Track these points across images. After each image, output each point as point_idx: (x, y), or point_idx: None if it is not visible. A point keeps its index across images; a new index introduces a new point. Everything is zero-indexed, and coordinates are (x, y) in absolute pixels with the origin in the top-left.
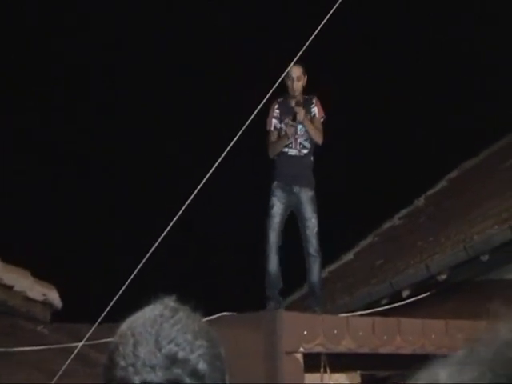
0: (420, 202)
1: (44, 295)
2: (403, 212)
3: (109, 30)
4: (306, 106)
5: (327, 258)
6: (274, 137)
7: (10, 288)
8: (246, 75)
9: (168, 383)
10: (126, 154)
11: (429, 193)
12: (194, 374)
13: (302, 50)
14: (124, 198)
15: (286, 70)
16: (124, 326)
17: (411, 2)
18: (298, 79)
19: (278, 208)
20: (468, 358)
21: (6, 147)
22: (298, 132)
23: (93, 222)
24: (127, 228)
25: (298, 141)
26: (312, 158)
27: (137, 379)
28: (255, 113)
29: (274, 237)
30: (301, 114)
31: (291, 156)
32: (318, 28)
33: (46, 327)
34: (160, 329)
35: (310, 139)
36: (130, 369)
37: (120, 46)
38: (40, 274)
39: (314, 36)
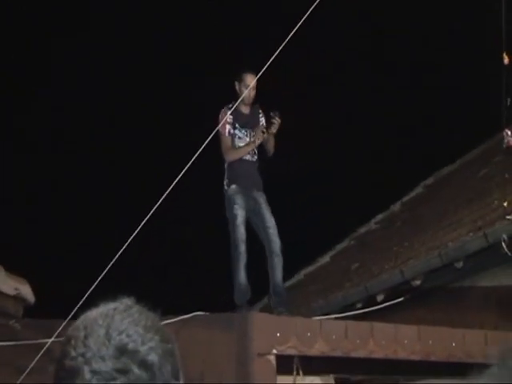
0: (396, 207)
1: (16, 290)
2: (379, 217)
3: (108, 30)
4: (255, 119)
5: (303, 260)
6: (228, 142)
7: None
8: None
9: (116, 372)
10: (104, 152)
11: (405, 199)
12: (143, 364)
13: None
14: (99, 192)
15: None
16: (78, 320)
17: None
18: (253, 88)
19: (241, 217)
20: (502, 369)
21: None
22: (252, 138)
23: (67, 217)
24: (102, 224)
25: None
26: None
27: (86, 369)
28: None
29: (242, 248)
30: (276, 126)
31: (246, 160)
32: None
33: (18, 322)
34: (111, 321)
35: (261, 147)
36: (80, 358)
37: (118, 45)
38: (13, 269)
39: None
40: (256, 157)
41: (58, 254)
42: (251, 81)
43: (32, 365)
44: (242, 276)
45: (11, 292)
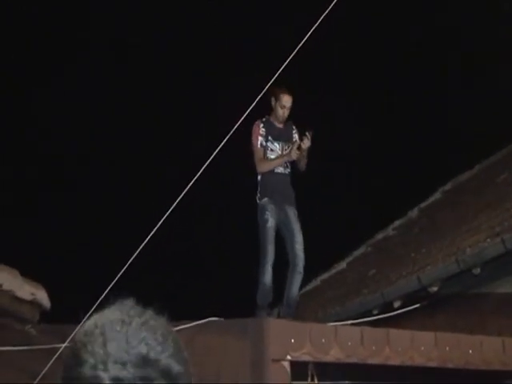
0: (414, 213)
1: (33, 295)
2: (397, 223)
3: (109, 29)
4: (288, 133)
5: (320, 266)
6: (260, 154)
7: None
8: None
9: (140, 380)
10: (117, 158)
11: (423, 205)
12: (167, 373)
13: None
14: (114, 199)
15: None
16: (89, 325)
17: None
18: (289, 109)
19: (271, 223)
20: None
21: None
22: (284, 151)
23: (82, 223)
24: (117, 229)
25: (286, 151)
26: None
27: (106, 376)
28: (242, 120)
29: (271, 249)
30: (307, 144)
31: (279, 174)
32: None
33: (34, 327)
34: (129, 328)
35: (293, 162)
36: (100, 366)
37: (118, 45)
38: (29, 274)
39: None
40: (289, 170)
41: (73, 259)
42: (287, 100)
43: (45, 369)
44: (267, 278)
45: (27, 297)
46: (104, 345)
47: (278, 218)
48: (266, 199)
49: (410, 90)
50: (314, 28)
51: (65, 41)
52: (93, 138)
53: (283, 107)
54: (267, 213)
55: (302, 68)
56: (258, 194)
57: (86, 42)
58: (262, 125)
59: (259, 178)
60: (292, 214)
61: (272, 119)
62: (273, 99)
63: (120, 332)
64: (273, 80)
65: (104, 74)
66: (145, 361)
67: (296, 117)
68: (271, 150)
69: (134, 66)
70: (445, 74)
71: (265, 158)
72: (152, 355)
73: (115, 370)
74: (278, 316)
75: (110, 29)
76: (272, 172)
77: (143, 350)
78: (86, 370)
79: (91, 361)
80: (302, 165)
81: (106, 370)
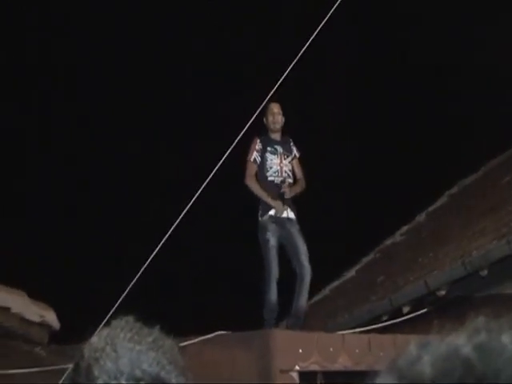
0: (421, 217)
1: (41, 316)
2: (405, 228)
3: (108, 29)
4: (286, 146)
5: (329, 275)
6: (252, 169)
7: (6, 310)
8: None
9: None
10: (121, 174)
11: (430, 209)
12: None
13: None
14: (119, 218)
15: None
16: (99, 342)
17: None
18: (279, 113)
19: (273, 241)
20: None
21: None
22: (284, 159)
23: (89, 243)
24: (124, 248)
25: (283, 169)
26: None
27: None
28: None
29: (275, 268)
30: (287, 192)
31: (277, 184)
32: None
33: (44, 349)
34: (140, 347)
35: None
36: (113, 382)
37: (118, 46)
38: (37, 295)
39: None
40: (291, 180)
41: (82, 280)
42: (273, 107)
43: None
44: (272, 295)
45: (36, 319)
46: (116, 361)
47: (280, 235)
48: (266, 217)
49: (414, 93)
50: (309, 41)
51: (64, 40)
52: (97, 149)
53: (272, 114)
54: (268, 233)
55: (302, 75)
56: (260, 211)
57: (86, 41)
58: (258, 140)
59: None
60: (294, 229)
61: (269, 135)
62: (264, 119)
63: (132, 350)
64: (274, 90)
65: (105, 76)
66: (156, 380)
67: (303, 120)
68: (270, 159)
69: (135, 69)
70: (446, 78)
71: (265, 168)
72: (163, 374)
73: None
74: (287, 327)
75: (111, 29)
76: (268, 181)
77: (155, 368)
78: None
79: (104, 377)
80: (298, 188)
81: None
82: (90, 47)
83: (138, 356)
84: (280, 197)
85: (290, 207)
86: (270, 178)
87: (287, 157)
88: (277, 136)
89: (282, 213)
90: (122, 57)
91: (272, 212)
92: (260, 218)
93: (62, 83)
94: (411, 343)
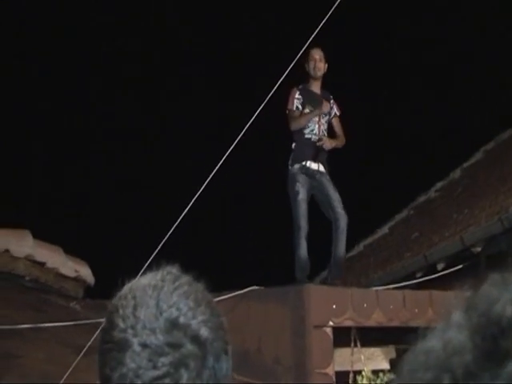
0: (456, 174)
1: (76, 271)
2: (439, 185)
3: (109, 28)
4: (326, 98)
5: (362, 231)
6: (295, 114)
7: (42, 264)
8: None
9: (168, 347)
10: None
11: (465, 165)
12: (196, 339)
13: (314, 33)
14: (154, 176)
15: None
16: (125, 288)
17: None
18: (321, 60)
19: (302, 194)
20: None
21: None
22: (322, 118)
23: (125, 199)
24: (156, 203)
25: (321, 128)
26: None
27: (136, 341)
28: (269, 96)
29: (304, 223)
30: (327, 143)
31: (312, 141)
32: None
33: (79, 303)
34: (161, 292)
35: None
36: (130, 331)
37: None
38: (72, 251)
39: (322, 24)
40: (323, 136)
41: (116, 235)
42: (315, 52)
43: (90, 343)
44: (302, 251)
45: (71, 274)
46: (135, 309)
47: (311, 185)
48: (296, 167)
49: (455, 55)
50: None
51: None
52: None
53: (313, 59)
54: (298, 184)
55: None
56: (290, 161)
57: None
58: (298, 92)
59: (293, 146)
60: (324, 179)
61: (308, 86)
62: (306, 65)
63: (151, 296)
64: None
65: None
66: (174, 326)
67: None
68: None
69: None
70: (484, 40)
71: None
72: (182, 320)
73: (144, 336)
74: (326, 279)
75: (111, 29)
76: (305, 140)
77: (173, 314)
78: (117, 334)
79: (122, 325)
80: (339, 143)
81: (135, 334)
82: (90, 47)
83: (157, 302)
84: (316, 151)
85: (322, 164)
86: (306, 136)
87: (325, 115)
88: (317, 87)
89: (327, 108)
90: (122, 56)
91: (303, 162)
92: (290, 167)
93: (60, 80)
94: (488, 282)
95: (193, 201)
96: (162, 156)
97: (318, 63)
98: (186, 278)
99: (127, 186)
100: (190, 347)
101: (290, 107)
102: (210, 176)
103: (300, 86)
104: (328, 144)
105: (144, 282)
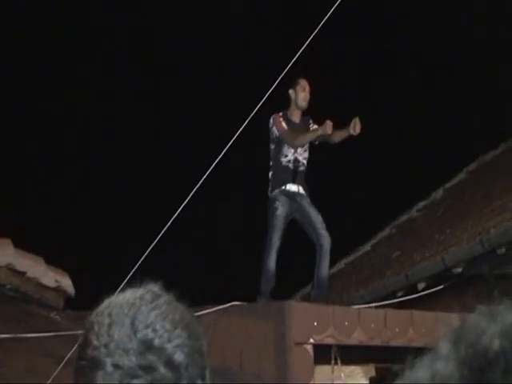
0: (438, 194)
1: (57, 282)
2: (421, 204)
3: (107, 29)
4: (306, 125)
5: (344, 249)
6: (289, 133)
7: (22, 274)
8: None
9: (141, 369)
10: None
11: (447, 185)
12: (170, 363)
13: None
14: (136, 185)
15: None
16: (103, 304)
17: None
18: (308, 93)
19: (281, 211)
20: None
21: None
22: (298, 151)
23: (106, 209)
24: (141, 215)
25: (299, 157)
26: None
27: (108, 361)
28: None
29: (276, 236)
30: (329, 128)
31: (289, 167)
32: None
33: (59, 314)
34: (138, 312)
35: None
36: (103, 349)
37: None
38: (53, 261)
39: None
40: (303, 161)
41: (97, 245)
42: (305, 83)
43: (70, 354)
44: (271, 264)
45: (52, 284)
46: (109, 327)
47: (291, 208)
48: (276, 191)
49: (433, 69)
50: (313, 34)
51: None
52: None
53: (304, 90)
54: (277, 202)
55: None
56: (269, 188)
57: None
58: (282, 118)
59: (270, 173)
60: (305, 201)
61: (289, 115)
62: (291, 91)
63: (127, 315)
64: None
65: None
66: (148, 348)
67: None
68: (287, 146)
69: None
70: (471, 51)
71: (281, 152)
72: (157, 343)
73: (117, 356)
74: (308, 295)
75: (110, 29)
76: (283, 166)
77: (148, 336)
78: (90, 351)
79: (95, 343)
80: (335, 139)
81: (108, 354)
82: (90, 46)
83: (132, 322)
84: (295, 174)
85: (302, 186)
86: (284, 164)
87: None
88: (297, 116)
89: (330, 129)
90: (122, 56)
91: (283, 186)
92: (270, 194)
93: (60, 82)
94: (476, 312)
95: (176, 214)
96: (145, 169)
97: (307, 94)
98: (165, 298)
99: (110, 197)
100: (163, 371)
101: (282, 132)
102: (195, 189)
103: (281, 114)
104: (329, 128)
105: (122, 299)
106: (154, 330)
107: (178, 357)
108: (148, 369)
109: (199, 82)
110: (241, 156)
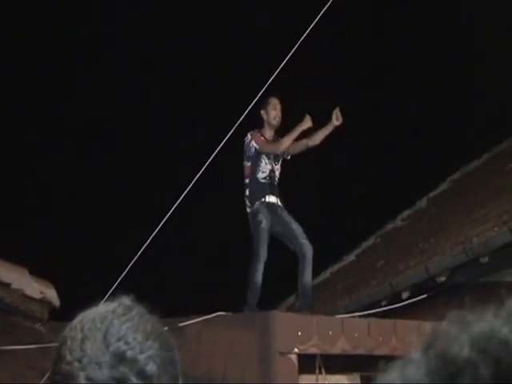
0: (422, 203)
1: (42, 293)
2: (406, 213)
3: (107, 28)
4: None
5: (329, 258)
6: (270, 143)
7: (7, 286)
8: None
9: (114, 382)
10: (123, 166)
11: (431, 194)
12: (141, 374)
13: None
14: (120, 197)
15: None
16: (76, 319)
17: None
18: (280, 111)
19: (265, 224)
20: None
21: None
22: (273, 166)
23: (90, 220)
24: (124, 227)
25: (275, 174)
26: None
27: (82, 375)
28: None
29: (262, 249)
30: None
31: (264, 183)
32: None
33: (44, 325)
34: (110, 325)
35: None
36: (76, 364)
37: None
38: (38, 272)
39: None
40: (275, 176)
41: (82, 257)
42: (276, 102)
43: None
44: (258, 277)
45: (37, 295)
46: (82, 342)
47: (272, 220)
48: (257, 204)
49: (415, 80)
50: (304, 36)
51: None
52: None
53: (275, 108)
54: (260, 215)
55: (295, 74)
56: (248, 204)
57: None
58: (259, 133)
59: (247, 190)
60: (284, 213)
61: (265, 132)
62: (263, 111)
63: (100, 329)
64: (266, 86)
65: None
66: (120, 360)
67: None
68: (264, 163)
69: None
70: (448, 64)
71: (257, 170)
72: (129, 355)
73: (90, 370)
74: (293, 305)
75: (110, 28)
76: (258, 182)
77: (120, 348)
78: (64, 366)
79: (69, 357)
80: (317, 139)
81: (81, 368)
82: (90, 46)
83: (104, 335)
84: (272, 187)
85: (279, 198)
86: (261, 180)
87: (279, 160)
88: (270, 136)
89: (310, 121)
90: (122, 56)
91: (262, 199)
92: (250, 209)
93: (62, 76)
94: (448, 321)
95: (160, 225)
96: (130, 174)
97: (279, 112)
98: (137, 310)
99: (93, 208)
100: (135, 382)
101: (262, 144)
102: (179, 201)
103: (257, 131)
104: (339, 118)
105: (94, 313)
106: (127, 343)
107: (151, 368)
108: (120, 381)
109: (199, 82)
110: (223, 168)
